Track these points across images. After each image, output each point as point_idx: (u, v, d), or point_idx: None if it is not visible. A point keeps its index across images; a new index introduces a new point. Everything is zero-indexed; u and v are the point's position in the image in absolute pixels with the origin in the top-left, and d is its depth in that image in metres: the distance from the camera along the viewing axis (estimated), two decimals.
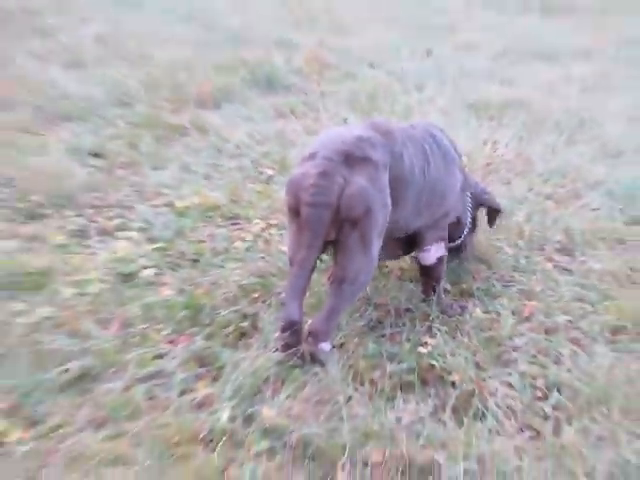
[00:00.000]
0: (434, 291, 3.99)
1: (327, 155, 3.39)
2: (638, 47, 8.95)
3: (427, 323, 3.79)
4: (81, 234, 4.53)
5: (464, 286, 4.17)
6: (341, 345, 3.60)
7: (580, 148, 5.87)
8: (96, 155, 5.44)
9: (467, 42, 8.93)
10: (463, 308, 3.98)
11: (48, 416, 3.12)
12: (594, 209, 4.93)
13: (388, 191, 3.49)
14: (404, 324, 3.80)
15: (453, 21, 9.84)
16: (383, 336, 3.72)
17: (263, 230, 4.57)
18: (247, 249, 4.40)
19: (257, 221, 4.67)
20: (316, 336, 3.42)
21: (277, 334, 3.53)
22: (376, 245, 3.49)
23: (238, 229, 4.63)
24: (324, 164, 3.35)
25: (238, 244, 4.44)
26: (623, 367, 3.52)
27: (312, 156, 3.45)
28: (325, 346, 3.44)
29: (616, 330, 3.84)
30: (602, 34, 9.63)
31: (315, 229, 3.31)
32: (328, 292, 3.60)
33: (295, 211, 3.37)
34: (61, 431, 3.05)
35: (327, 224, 3.30)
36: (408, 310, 3.92)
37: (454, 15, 10.27)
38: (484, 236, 4.48)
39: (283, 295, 3.72)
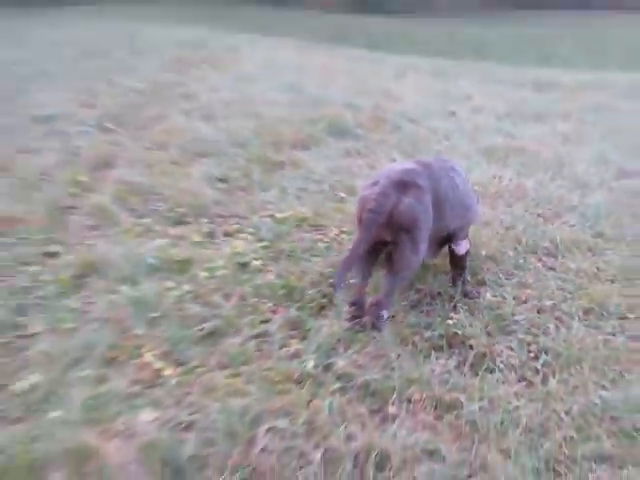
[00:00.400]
0: (460, 279, 4.09)
1: (385, 182, 3.60)
2: (599, 112, 8.98)
3: (452, 303, 3.90)
4: (211, 235, 4.69)
5: (479, 277, 4.26)
6: (392, 317, 3.71)
7: (560, 182, 5.91)
8: (222, 180, 5.56)
9: (480, 106, 8.96)
10: (479, 293, 4.06)
11: (190, 359, 3.32)
12: (571, 225, 4.99)
13: (431, 207, 3.67)
14: (436, 303, 3.90)
15: (469, 92, 9.89)
16: (421, 312, 3.83)
17: (337, 235, 4.68)
18: (326, 248, 4.52)
19: (333, 229, 4.77)
20: (378, 306, 3.59)
21: (346, 308, 3.72)
22: (422, 246, 3.64)
23: (320, 234, 4.73)
24: (383, 187, 3.56)
25: (320, 244, 4.55)
26: (592, 338, 3.64)
27: (375, 183, 3.65)
28: (384, 313, 3.60)
29: (587, 311, 3.93)
30: (575, 103, 9.64)
31: (369, 228, 3.47)
32: (385, 279, 3.71)
33: (360, 219, 3.56)
34: (198, 370, 3.24)
35: (377, 226, 3.48)
36: (439, 294, 4.01)
37: (470, 88, 10.32)
38: (494, 242, 4.59)
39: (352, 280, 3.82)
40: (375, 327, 3.60)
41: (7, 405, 3.04)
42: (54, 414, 2.92)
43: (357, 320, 3.63)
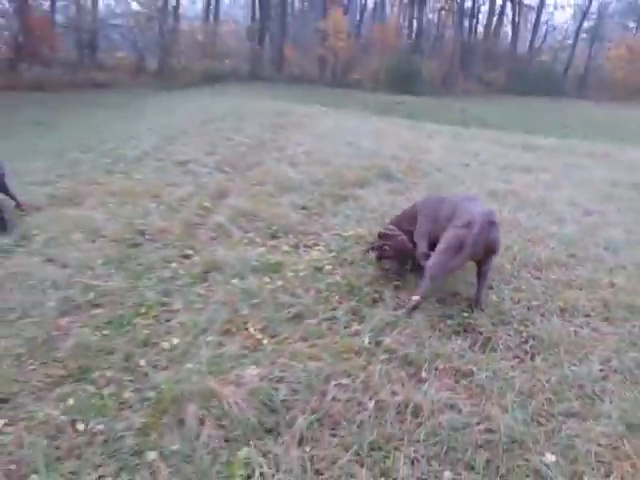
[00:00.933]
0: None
1: (480, 220, 3.62)
2: (569, 168, 8.88)
3: (468, 302, 3.87)
4: (296, 246, 4.70)
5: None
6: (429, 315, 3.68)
7: (544, 216, 5.80)
8: (303, 208, 5.58)
9: (485, 160, 8.87)
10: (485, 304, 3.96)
11: (281, 333, 3.36)
12: (551, 248, 4.88)
13: None
14: (457, 303, 3.88)
15: (478, 150, 9.80)
16: (445, 305, 3.81)
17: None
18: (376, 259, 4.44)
19: None
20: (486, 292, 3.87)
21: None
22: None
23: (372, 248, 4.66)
24: (481, 226, 3.60)
25: (372, 256, 4.44)
26: (566, 329, 3.60)
27: (470, 223, 3.67)
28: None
29: (563, 310, 3.86)
30: (552, 161, 9.50)
31: (472, 255, 3.66)
32: (479, 278, 3.86)
33: (462, 245, 3.63)
34: (287, 341, 3.28)
35: (477, 251, 3.66)
36: (457, 294, 3.99)
37: (478, 147, 10.23)
38: (497, 259, 4.49)
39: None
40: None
41: (159, 357, 3.13)
42: (189, 365, 3.01)
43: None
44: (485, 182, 7.24)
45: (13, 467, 2.37)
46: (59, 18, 24.87)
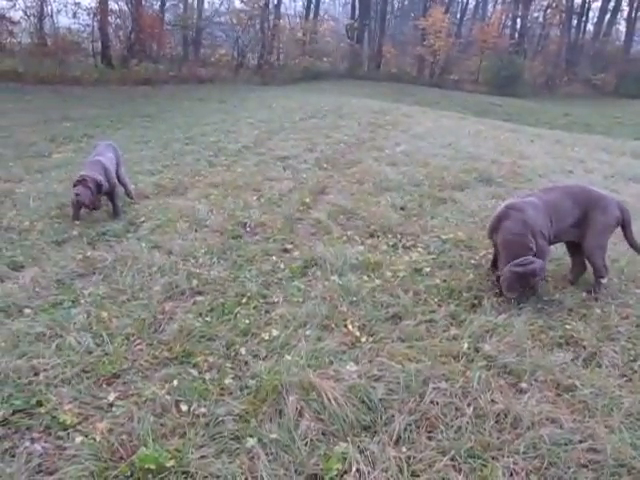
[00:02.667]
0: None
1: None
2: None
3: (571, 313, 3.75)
4: (395, 247, 4.70)
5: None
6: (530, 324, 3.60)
7: None
8: (402, 208, 5.56)
9: (591, 168, 8.41)
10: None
11: (379, 332, 3.39)
12: None
13: None
14: (556, 312, 3.74)
15: (582, 157, 9.32)
16: (546, 315, 3.70)
17: (484, 255, 4.50)
18: (476, 264, 4.40)
19: (482, 250, 4.61)
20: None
21: None
22: None
23: (472, 253, 4.60)
24: None
25: (472, 261, 4.44)
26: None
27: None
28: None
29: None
30: None
31: None
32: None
33: None
34: (385, 340, 3.30)
35: None
36: (560, 302, 3.85)
37: (582, 154, 9.73)
38: None
39: None
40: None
41: (259, 347, 3.24)
42: (288, 357, 3.09)
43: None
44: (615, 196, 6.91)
45: (125, 437, 2.52)
46: (167, 16, 26.08)
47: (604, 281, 4.06)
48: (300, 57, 27.39)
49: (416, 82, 27.91)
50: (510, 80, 27.66)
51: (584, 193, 4.17)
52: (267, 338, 3.31)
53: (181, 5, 26.89)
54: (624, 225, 4.21)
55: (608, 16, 34.31)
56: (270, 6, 27.52)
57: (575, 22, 34.86)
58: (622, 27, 35.70)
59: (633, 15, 33.77)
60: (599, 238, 4.08)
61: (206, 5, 28.23)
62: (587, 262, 4.16)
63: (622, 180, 7.90)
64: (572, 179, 7.51)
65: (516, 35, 33.49)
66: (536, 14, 35.05)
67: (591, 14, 35.61)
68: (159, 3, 25.15)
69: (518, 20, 34.21)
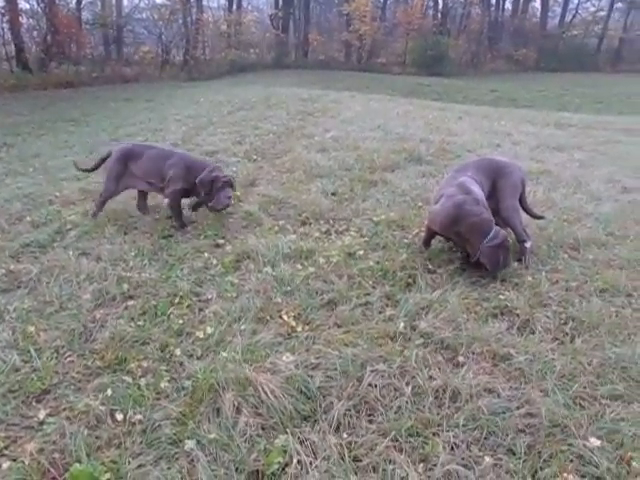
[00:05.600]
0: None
1: None
2: (605, 145, 8.65)
3: (504, 283, 3.82)
4: (327, 233, 4.68)
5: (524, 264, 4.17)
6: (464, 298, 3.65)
7: (579, 196, 5.66)
8: (333, 194, 5.51)
9: (517, 141, 8.67)
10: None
11: (315, 320, 3.36)
12: (588, 227, 4.81)
13: None
14: (492, 284, 3.82)
15: (509, 130, 9.60)
16: (480, 287, 3.77)
17: (417, 234, 4.56)
18: (409, 243, 4.43)
19: (414, 229, 4.66)
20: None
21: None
22: None
23: (405, 232, 4.63)
24: None
25: (405, 240, 4.46)
26: (607, 309, 3.53)
27: None
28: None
29: (602, 290, 3.79)
30: (586, 138, 9.26)
31: None
32: None
33: None
34: (321, 328, 3.28)
35: None
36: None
37: (509, 127, 10.02)
38: (532, 239, 4.40)
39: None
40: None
41: (194, 346, 3.15)
42: (224, 354, 3.02)
43: None
44: (518, 163, 7.08)
45: (57, 455, 2.40)
46: (85, 15, 25.10)
47: (528, 245, 4.16)
48: (226, 50, 26.99)
49: (344, 68, 28.01)
50: (436, 60, 28.15)
51: (491, 164, 4.41)
52: (202, 336, 3.22)
53: (99, 3, 25.96)
54: (523, 187, 4.44)
55: None
56: (192, 0, 26.95)
57: (494, 0, 35.81)
58: (537, 4, 36.92)
59: None
60: (511, 201, 4.28)
61: (125, 2, 27.50)
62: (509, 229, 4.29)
63: (547, 150, 8.15)
64: (500, 152, 7.68)
65: (439, 16, 34.07)
66: None
67: None
68: (74, 1, 24.10)
69: (440, 1, 34.86)
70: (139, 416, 2.62)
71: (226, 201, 4.74)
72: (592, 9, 36.41)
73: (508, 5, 36.91)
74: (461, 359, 3.01)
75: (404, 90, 20.01)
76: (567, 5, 36.04)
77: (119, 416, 2.62)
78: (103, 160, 5.09)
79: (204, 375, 2.81)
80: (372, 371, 2.85)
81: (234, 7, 29.92)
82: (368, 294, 3.66)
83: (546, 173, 6.59)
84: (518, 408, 2.65)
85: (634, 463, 2.36)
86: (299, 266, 4.03)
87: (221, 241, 4.53)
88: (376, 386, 2.76)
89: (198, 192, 4.79)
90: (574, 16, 36.20)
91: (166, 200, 4.95)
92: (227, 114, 10.77)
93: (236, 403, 2.64)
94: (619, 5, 35.81)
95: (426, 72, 26.88)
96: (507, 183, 4.29)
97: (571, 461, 2.39)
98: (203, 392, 2.72)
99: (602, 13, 35.50)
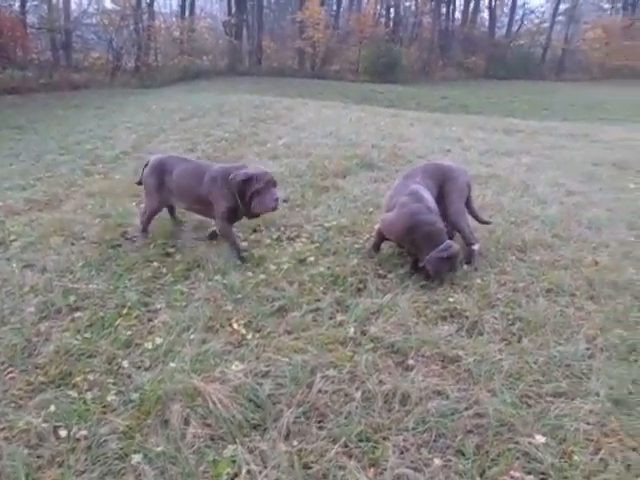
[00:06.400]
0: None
1: None
2: (550, 150, 8.94)
3: (454, 286, 3.88)
4: (279, 239, 4.65)
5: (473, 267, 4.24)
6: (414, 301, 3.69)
7: (526, 199, 5.80)
8: (285, 201, 5.43)
9: (467, 146, 8.85)
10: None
11: (265, 327, 3.34)
12: (535, 229, 4.90)
13: None
14: (442, 287, 3.87)
15: (459, 136, 9.78)
16: (430, 290, 3.80)
17: (368, 239, 4.54)
18: (359, 248, 4.43)
19: (365, 234, 4.67)
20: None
21: None
22: None
23: (356, 238, 4.64)
24: None
25: (355, 245, 4.47)
26: (552, 309, 3.61)
27: None
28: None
29: (548, 290, 3.88)
30: (533, 143, 9.53)
31: None
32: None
33: None
34: (271, 335, 3.26)
35: None
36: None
37: (460, 133, 10.21)
38: (481, 242, 4.49)
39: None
40: None
41: (142, 357, 3.09)
42: (172, 365, 2.97)
43: None
44: (467, 167, 7.14)
45: None
46: (31, 19, 24.40)
47: (476, 247, 4.24)
48: (179, 57, 26.69)
49: (298, 75, 28.08)
50: (389, 67, 28.51)
51: (438, 168, 4.48)
52: (150, 347, 3.16)
53: (45, 6, 25.25)
54: (468, 190, 4.53)
55: (472, 4, 36.34)
56: (143, 5, 26.56)
57: (444, 9, 36.60)
58: (486, 14, 37.96)
59: (493, 3, 36.12)
60: (458, 204, 4.36)
61: (73, 6, 26.84)
62: (457, 233, 4.38)
63: (496, 155, 8.33)
64: (450, 157, 7.81)
65: (391, 24, 34.56)
66: (408, 3, 36.40)
67: (457, 2, 37.54)
68: (18, 3, 23.38)
69: (392, 9, 35.37)
70: (84, 432, 2.54)
71: (272, 203, 4.10)
72: (536, 21, 37.59)
73: (458, 15, 37.81)
74: (411, 362, 3.03)
75: (357, 97, 20.20)
76: (513, 16, 37.17)
77: (63, 432, 2.54)
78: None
79: (152, 387, 2.75)
80: (322, 377, 2.85)
81: (187, 13, 29.65)
82: (319, 300, 3.65)
83: (495, 177, 6.73)
84: (467, 409, 2.69)
85: (575, 457, 2.43)
86: (250, 274, 4.00)
87: (171, 250, 4.46)
88: (326, 392, 2.76)
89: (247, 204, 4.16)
90: (520, 26, 37.29)
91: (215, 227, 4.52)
92: (179, 121, 10.66)
93: (184, 414, 2.59)
94: (560, 18, 37.14)
95: (379, 79, 27.17)
96: (454, 187, 4.37)
97: (517, 459, 2.43)
98: (151, 404, 2.66)
99: (545, 25, 36.71)
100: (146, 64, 25.73)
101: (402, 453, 2.44)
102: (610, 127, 12.73)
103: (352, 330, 3.28)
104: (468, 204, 4.49)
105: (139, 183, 4.87)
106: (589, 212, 5.47)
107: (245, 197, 4.10)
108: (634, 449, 2.48)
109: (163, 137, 9.00)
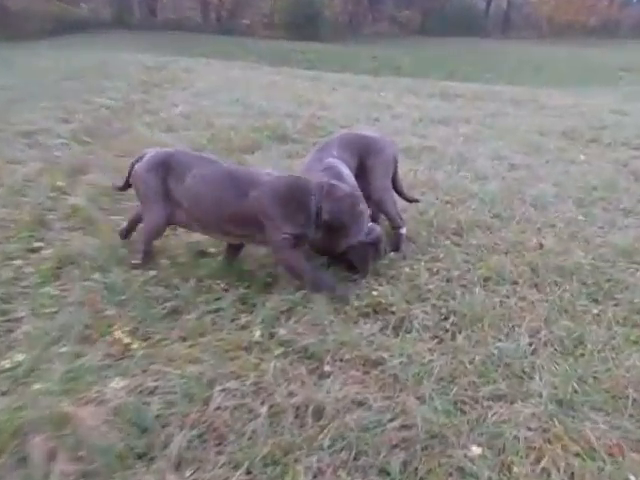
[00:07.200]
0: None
1: None
2: (493, 117, 9.21)
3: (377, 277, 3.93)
4: (172, 228, 4.43)
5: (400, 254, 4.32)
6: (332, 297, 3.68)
7: (464, 174, 5.99)
8: None
9: (398, 114, 9.03)
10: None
11: (154, 334, 3.26)
12: (473, 209, 5.07)
13: None
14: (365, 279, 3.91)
15: (390, 102, 9.94)
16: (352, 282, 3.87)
17: None
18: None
19: None
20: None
21: None
22: None
23: None
24: None
25: None
26: (490, 300, 3.71)
27: None
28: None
29: (486, 279, 3.99)
30: (473, 110, 9.83)
31: None
32: None
33: None
34: (162, 343, 3.19)
35: None
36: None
37: (390, 99, 10.37)
38: (411, 225, 4.58)
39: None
40: None
41: None
42: (37, 386, 2.83)
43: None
44: (398, 138, 7.31)
45: None
46: None
47: (403, 231, 4.32)
48: (50, 3, 25.53)
49: (201, 30, 27.72)
50: (309, 20, 28.62)
51: (359, 140, 4.46)
52: (8, 366, 2.99)
53: None
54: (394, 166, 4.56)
55: None
56: None
57: None
58: None
59: None
60: (383, 181, 4.40)
61: None
62: (382, 214, 4.47)
63: (430, 124, 8.55)
64: (379, 127, 7.91)
65: None
66: None
67: None
68: None
69: None
70: None
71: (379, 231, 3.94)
72: None
73: None
74: (327, 369, 3.04)
75: (271, 57, 20.17)
76: None
77: None
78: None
79: (9, 416, 2.61)
80: (222, 391, 2.80)
81: None
82: (219, 299, 3.61)
83: (428, 149, 6.90)
84: (392, 420, 2.71)
85: (515, 468, 2.50)
86: (136, 270, 3.91)
87: (38, 244, 4.30)
88: (226, 408, 2.71)
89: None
90: None
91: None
92: (52, 84, 10.29)
93: (49, 448, 2.48)
94: None
95: (297, 35, 27.19)
96: (378, 161, 4.39)
97: (450, 475, 2.47)
98: (6, 438, 2.52)
99: None
100: (4, 9, 24.35)
101: (316, 477, 2.44)
102: (559, 92, 13.28)
103: (258, 333, 3.26)
104: (395, 181, 4.54)
105: (123, 188, 4.34)
106: (534, 188, 5.71)
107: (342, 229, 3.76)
108: (577, 454, 2.58)
109: (30, 104, 8.65)
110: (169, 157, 3.91)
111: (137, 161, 4.04)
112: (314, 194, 3.63)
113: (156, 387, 2.83)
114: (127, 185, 4.22)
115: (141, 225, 4.22)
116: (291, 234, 3.63)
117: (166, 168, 3.84)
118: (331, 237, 3.77)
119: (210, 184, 3.73)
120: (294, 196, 3.66)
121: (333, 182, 3.75)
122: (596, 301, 3.83)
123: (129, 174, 4.11)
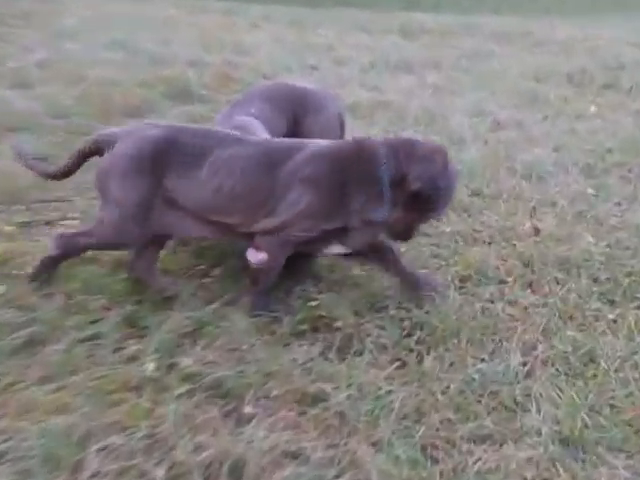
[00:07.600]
0: None
1: None
2: (472, 59, 9.25)
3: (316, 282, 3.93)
4: (27, 225, 4.51)
5: None
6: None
7: (433, 137, 6.00)
8: (39, 159, 5.21)
9: (343, 58, 9.05)
10: None
11: (2, 376, 3.16)
12: None
13: None
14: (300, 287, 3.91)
15: (331, 42, 9.94)
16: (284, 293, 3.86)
17: None
18: None
19: None
20: None
21: None
22: None
23: None
24: None
25: None
26: (469, 307, 3.73)
27: None
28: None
29: (464, 278, 4.04)
30: (446, 50, 9.92)
31: None
32: None
33: None
34: (14, 388, 3.08)
35: None
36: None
37: (331, 38, 10.38)
38: None
39: None
40: None
41: None
42: None
43: None
44: (342, 92, 7.36)
45: None
46: None
47: None
48: None
49: None
50: None
51: (290, 93, 4.50)
52: None
53: None
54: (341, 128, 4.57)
55: None
56: None
57: None
58: None
59: None
60: None
61: None
62: None
63: (387, 70, 8.59)
64: (316, 77, 7.90)
65: None
66: None
67: None
68: None
69: None
70: None
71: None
72: None
73: None
74: (248, 410, 3.02)
75: None
76: None
77: None
78: (84, 157, 3.85)
79: None
80: (100, 450, 2.74)
81: None
82: (97, 321, 3.55)
83: (385, 105, 6.93)
84: (338, 477, 2.70)
85: None
86: None
87: None
88: (107, 475, 2.66)
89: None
90: None
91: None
92: None
93: None
94: None
95: None
96: (316, 122, 4.41)
97: None
98: None
99: None
100: None
101: None
102: (564, 22, 13.44)
103: (152, 366, 3.22)
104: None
105: (57, 176, 4.03)
106: (527, 154, 5.79)
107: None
108: None
109: None
110: (169, 142, 3.57)
111: (100, 145, 3.72)
112: (384, 160, 3.46)
113: (4, 451, 2.74)
114: (67, 172, 3.94)
115: None
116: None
117: (164, 162, 3.54)
118: (413, 215, 3.65)
119: (243, 171, 3.52)
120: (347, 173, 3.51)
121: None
122: (612, 303, 3.90)
123: (78, 158, 3.84)
